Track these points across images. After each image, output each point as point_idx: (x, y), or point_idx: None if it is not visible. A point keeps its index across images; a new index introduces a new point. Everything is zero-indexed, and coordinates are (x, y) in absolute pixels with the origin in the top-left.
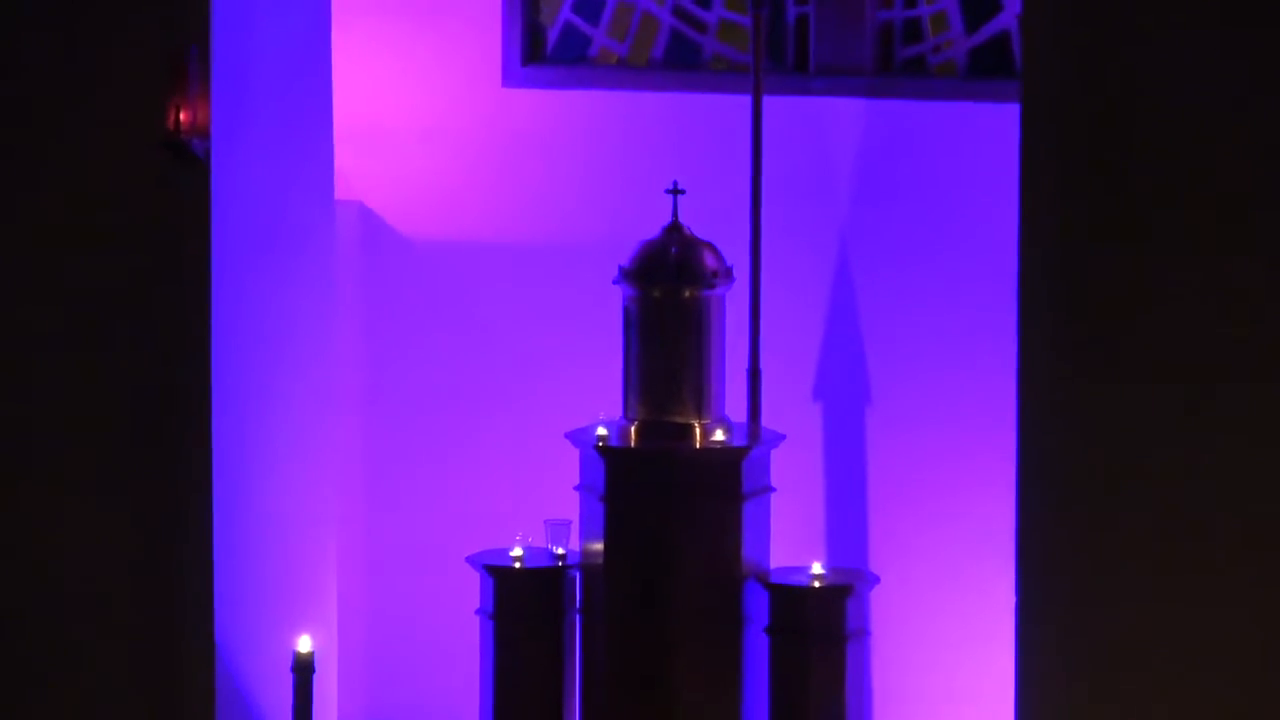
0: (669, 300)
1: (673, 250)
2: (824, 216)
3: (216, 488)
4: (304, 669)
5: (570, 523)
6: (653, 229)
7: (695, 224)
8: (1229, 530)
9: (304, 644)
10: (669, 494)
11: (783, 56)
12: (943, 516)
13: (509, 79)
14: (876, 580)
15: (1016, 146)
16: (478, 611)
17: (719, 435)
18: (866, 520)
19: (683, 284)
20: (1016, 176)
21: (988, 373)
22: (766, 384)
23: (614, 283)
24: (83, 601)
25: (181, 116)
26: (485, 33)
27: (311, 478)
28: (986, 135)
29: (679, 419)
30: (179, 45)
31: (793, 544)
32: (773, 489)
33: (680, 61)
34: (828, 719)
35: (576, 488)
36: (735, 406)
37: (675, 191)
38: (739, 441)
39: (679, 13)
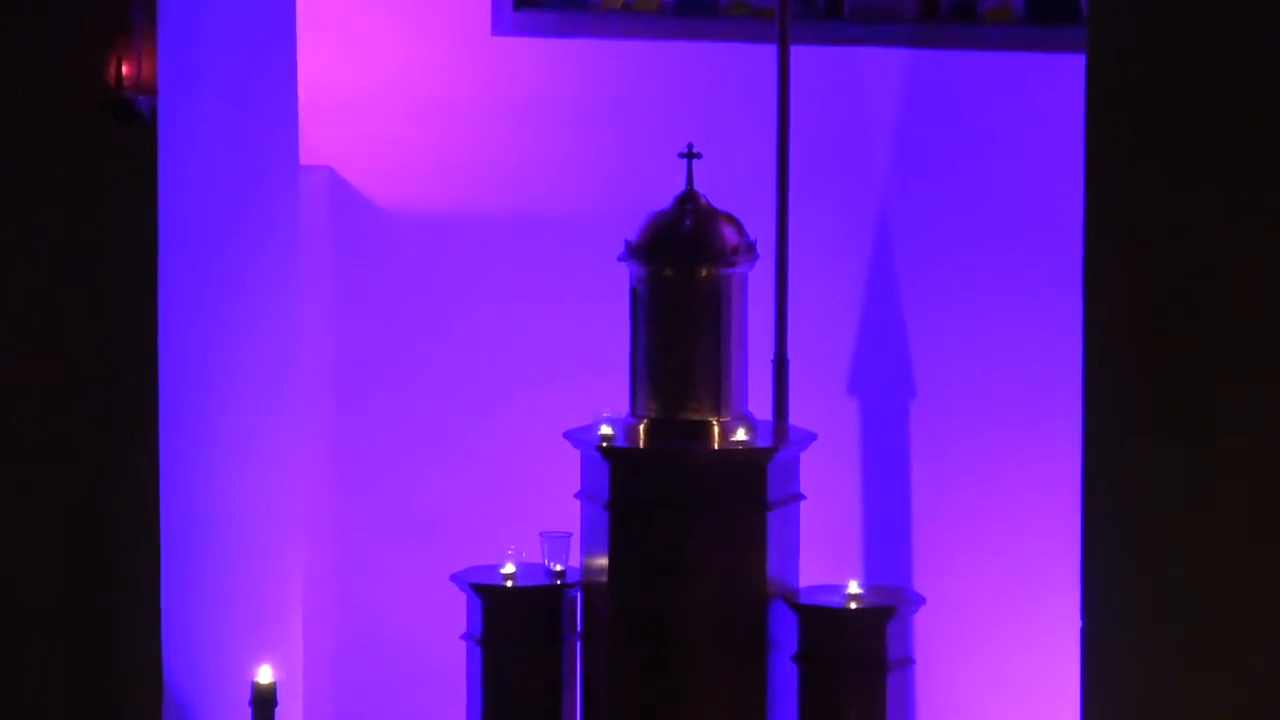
0: (683, 280)
1: (687, 223)
2: (860, 184)
3: (164, 493)
4: (264, 702)
5: (570, 535)
6: (664, 199)
7: (712, 193)
8: None
9: (264, 674)
10: (683, 502)
11: (813, 0)
12: (996, 528)
13: (499, 26)
14: (922, 601)
15: (1082, 103)
16: (464, 636)
17: (740, 434)
18: (910, 532)
19: (698, 261)
20: (1082, 138)
21: (1048, 364)
22: (795, 375)
23: (619, 260)
24: (4, 627)
25: (123, 70)
26: None
27: (273, 481)
28: (1047, 90)
29: (694, 416)
30: None
31: (825, 559)
32: (802, 496)
33: (695, 6)
34: None
35: (577, 495)
36: (759, 401)
37: (690, 155)
38: (763, 442)
39: None
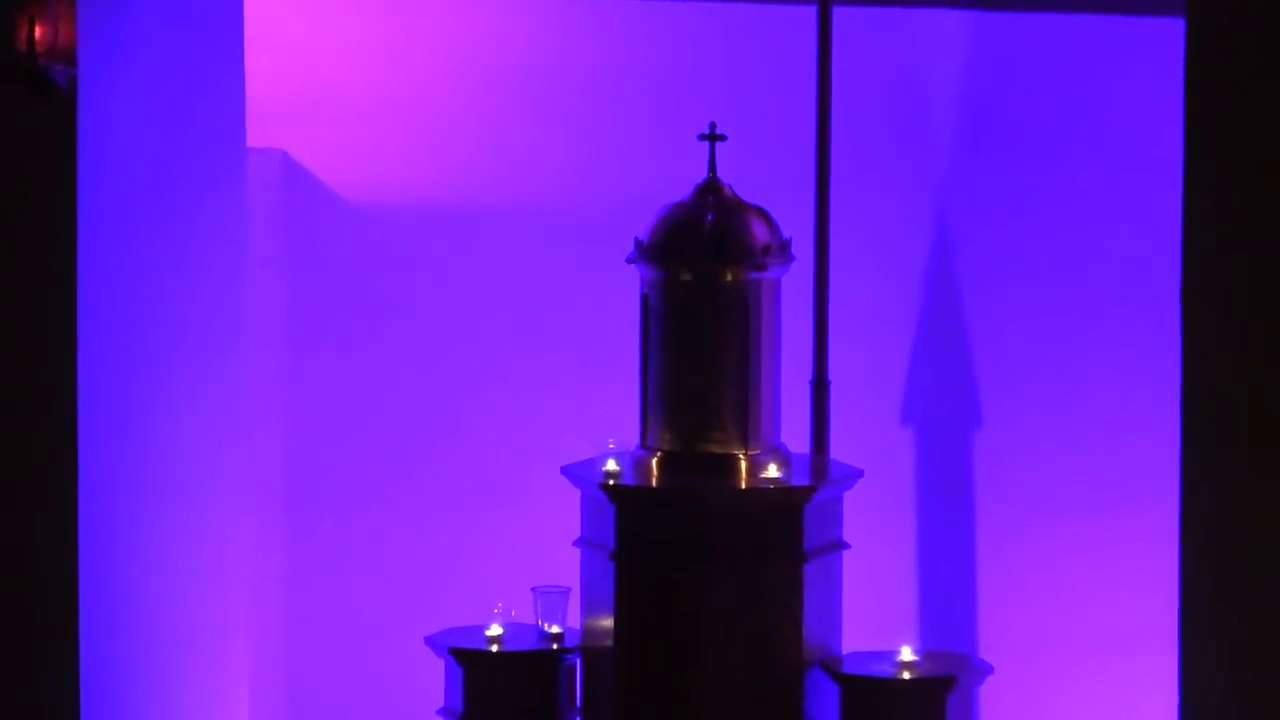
0: (703, 285)
1: (708, 217)
2: (916, 171)
3: (82, 525)
4: None
5: (568, 591)
6: (682, 188)
7: (739, 182)
8: None
9: None
10: (704, 551)
11: None
12: (1077, 584)
13: None
14: (988, 671)
15: (1179, 76)
16: (441, 711)
17: (772, 470)
18: (974, 588)
19: (722, 263)
20: (1180, 115)
21: (1140, 386)
22: (838, 400)
23: (628, 261)
24: None
25: (37, 35)
26: None
27: (214, 518)
28: (1137, 60)
29: (717, 448)
30: None
31: (873, 620)
32: (846, 545)
33: None
34: None
35: (576, 542)
36: (795, 431)
37: (712, 137)
38: (800, 479)
39: None
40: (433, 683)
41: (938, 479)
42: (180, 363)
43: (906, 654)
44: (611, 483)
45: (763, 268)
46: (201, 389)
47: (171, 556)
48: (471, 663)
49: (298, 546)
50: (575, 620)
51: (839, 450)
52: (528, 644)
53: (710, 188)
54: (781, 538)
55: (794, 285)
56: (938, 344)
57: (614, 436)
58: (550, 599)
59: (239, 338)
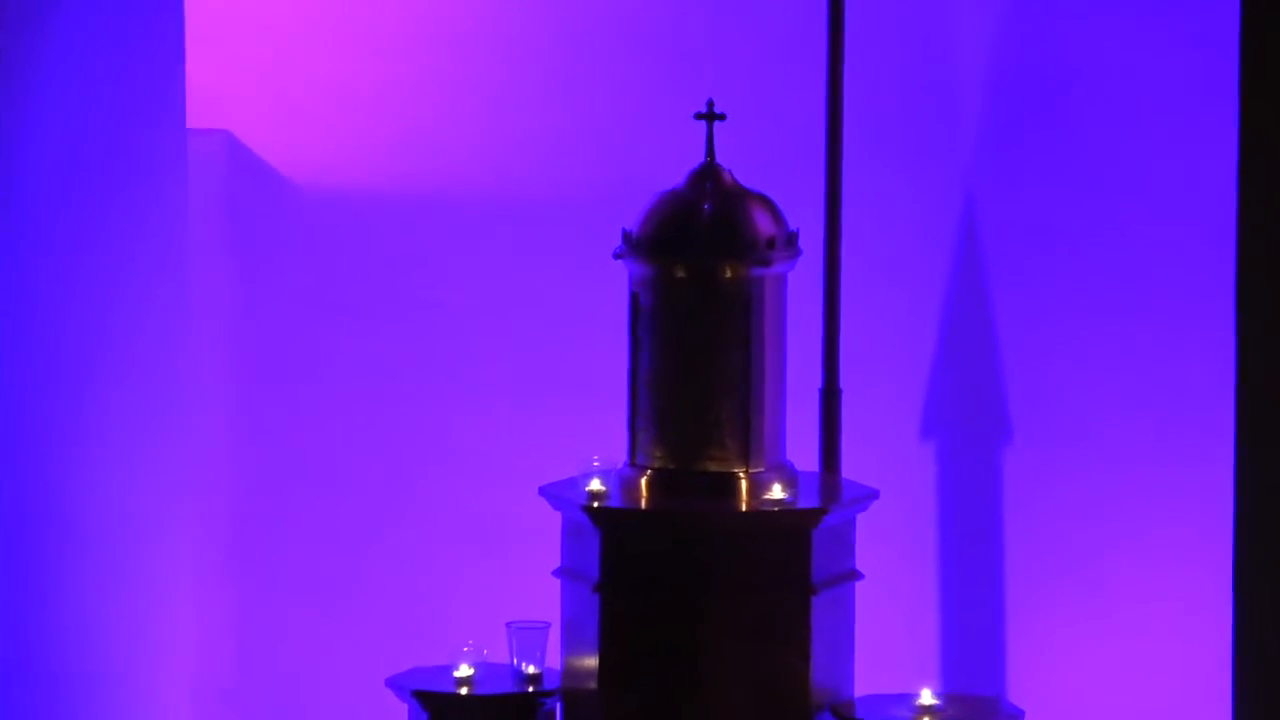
0: (700, 282)
1: (705, 206)
2: (939, 153)
3: None
4: None
5: (547, 626)
6: (675, 174)
7: (741, 167)
8: None
9: None
10: (700, 582)
11: None
12: (1119, 619)
13: None
14: (1019, 716)
15: (1236, 44)
16: None
17: (777, 491)
18: (1003, 624)
19: (721, 257)
20: (1235, 93)
21: (1191, 393)
22: (850, 412)
23: (615, 256)
24: None
25: None
26: None
27: (146, 554)
28: (1188, 27)
29: (715, 466)
30: None
31: (890, 658)
32: (859, 575)
33: None
34: None
35: (556, 572)
36: (802, 446)
37: (710, 116)
38: (807, 501)
39: None
40: None
41: (962, 500)
42: (116, 361)
43: (927, 697)
44: (596, 505)
45: (766, 263)
46: (139, 392)
47: (101, 578)
48: (438, 707)
49: (243, 576)
50: (555, 660)
51: (851, 468)
52: (501, 686)
53: (708, 173)
54: (787, 566)
55: (801, 282)
56: (962, 348)
57: (599, 453)
58: (527, 636)
59: (180, 345)
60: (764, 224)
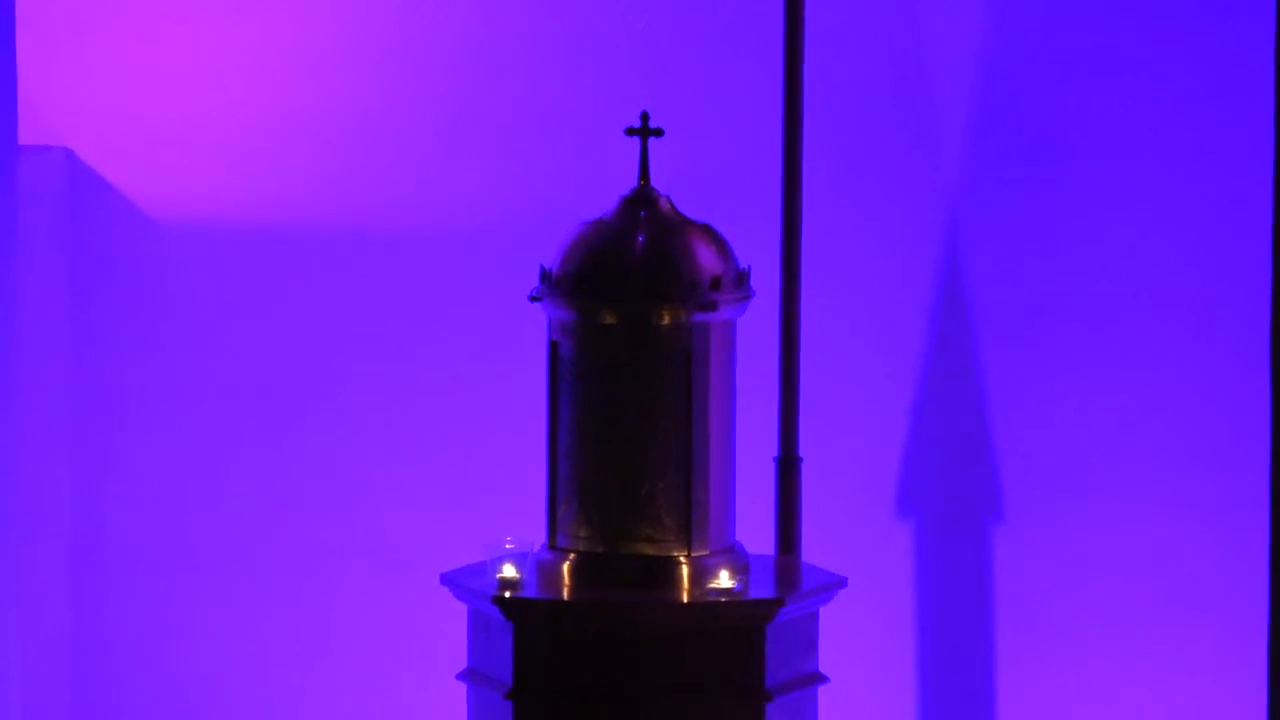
0: (632, 330)
1: (639, 239)
2: (917, 177)
3: None
4: None
5: None
6: (604, 200)
7: (680, 192)
8: None
9: None
10: (632, 689)
11: None
12: None
13: None
14: None
15: (1272, 47)
16: None
17: (724, 579)
18: None
19: (656, 300)
20: (1272, 107)
21: (1217, 458)
22: (810, 484)
23: (531, 298)
24: None
25: None
26: None
27: None
28: (1209, 24)
29: (650, 549)
30: None
31: None
32: (823, 678)
33: None
34: None
35: (461, 675)
36: (753, 525)
37: (645, 132)
38: (761, 591)
39: None
40: None
41: (945, 590)
42: None
43: None
44: (508, 595)
45: (711, 306)
46: None
47: None
48: None
49: (75, 637)
50: None
51: (813, 551)
52: None
53: (641, 199)
54: (737, 669)
55: (753, 330)
56: (943, 409)
57: (512, 533)
58: None
59: (10, 368)
60: (708, 260)
